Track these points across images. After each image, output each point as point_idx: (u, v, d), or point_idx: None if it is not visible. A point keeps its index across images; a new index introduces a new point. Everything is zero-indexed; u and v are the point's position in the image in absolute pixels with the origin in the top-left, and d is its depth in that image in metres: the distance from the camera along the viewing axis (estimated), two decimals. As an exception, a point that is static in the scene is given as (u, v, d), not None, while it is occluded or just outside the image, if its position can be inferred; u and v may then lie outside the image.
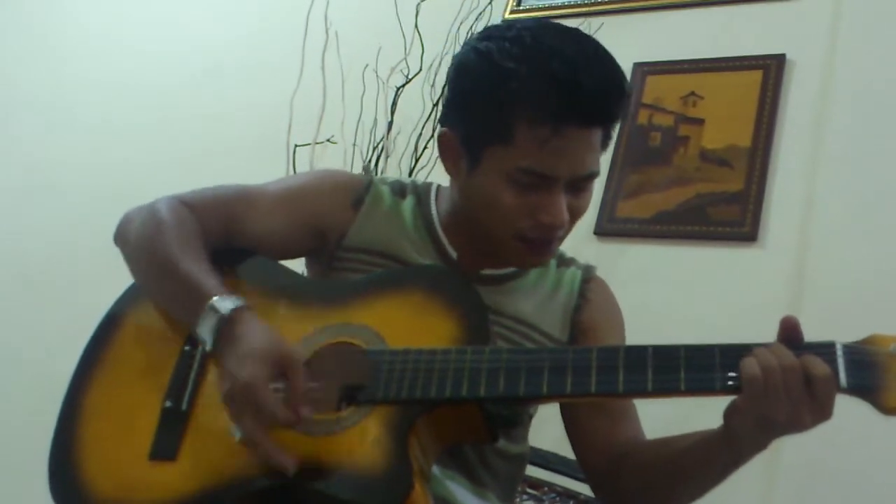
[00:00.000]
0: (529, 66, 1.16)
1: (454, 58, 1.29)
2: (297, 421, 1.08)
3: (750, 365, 1.03)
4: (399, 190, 1.41)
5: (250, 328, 1.13)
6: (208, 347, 1.15)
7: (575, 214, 1.25)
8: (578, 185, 1.23)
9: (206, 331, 1.15)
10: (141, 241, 1.30)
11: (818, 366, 1.02)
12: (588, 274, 1.41)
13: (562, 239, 1.28)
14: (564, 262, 1.43)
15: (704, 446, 1.19)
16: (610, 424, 1.34)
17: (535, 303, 1.36)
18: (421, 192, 1.40)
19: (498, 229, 1.24)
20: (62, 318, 2.50)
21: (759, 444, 1.11)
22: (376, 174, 2.60)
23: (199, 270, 1.22)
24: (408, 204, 1.39)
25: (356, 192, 1.38)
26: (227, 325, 1.14)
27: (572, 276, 1.40)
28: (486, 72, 1.19)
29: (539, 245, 1.26)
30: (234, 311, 1.15)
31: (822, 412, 1.03)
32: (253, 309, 1.17)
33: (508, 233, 1.23)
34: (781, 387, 1.02)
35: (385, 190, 1.40)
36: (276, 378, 1.09)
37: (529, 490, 1.96)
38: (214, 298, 1.16)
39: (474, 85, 1.22)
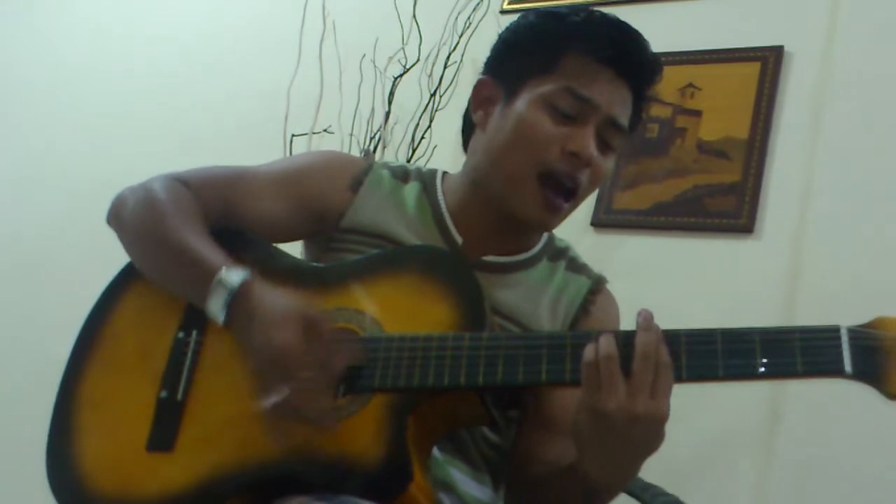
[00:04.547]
0: (582, 14, 1.30)
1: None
2: (342, 373, 1.08)
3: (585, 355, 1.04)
4: (401, 174, 1.40)
5: (264, 297, 1.13)
6: (220, 322, 1.14)
7: (596, 173, 1.28)
8: (605, 138, 1.28)
9: (216, 306, 1.14)
10: (138, 219, 1.27)
11: (637, 344, 1.02)
12: (597, 286, 1.39)
13: (577, 196, 1.28)
14: (575, 267, 1.40)
15: (559, 474, 1.18)
16: (543, 439, 1.30)
17: (536, 304, 1.34)
18: (426, 178, 1.40)
19: (524, 163, 1.25)
20: (60, 308, 2.48)
21: (607, 461, 1.08)
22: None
23: (202, 246, 1.21)
24: (411, 188, 1.38)
25: (355, 174, 1.37)
26: (238, 298, 1.13)
27: (580, 284, 1.38)
28: (540, 17, 1.33)
29: (553, 195, 1.26)
30: (244, 283, 1.14)
31: (651, 393, 1.01)
32: (259, 279, 1.16)
33: (533, 167, 1.25)
34: (605, 374, 1.02)
35: (385, 174, 1.39)
36: (304, 338, 1.07)
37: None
38: (221, 272, 1.15)
39: (527, 29, 1.33)
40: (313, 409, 1.06)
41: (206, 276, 1.15)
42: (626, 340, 1.04)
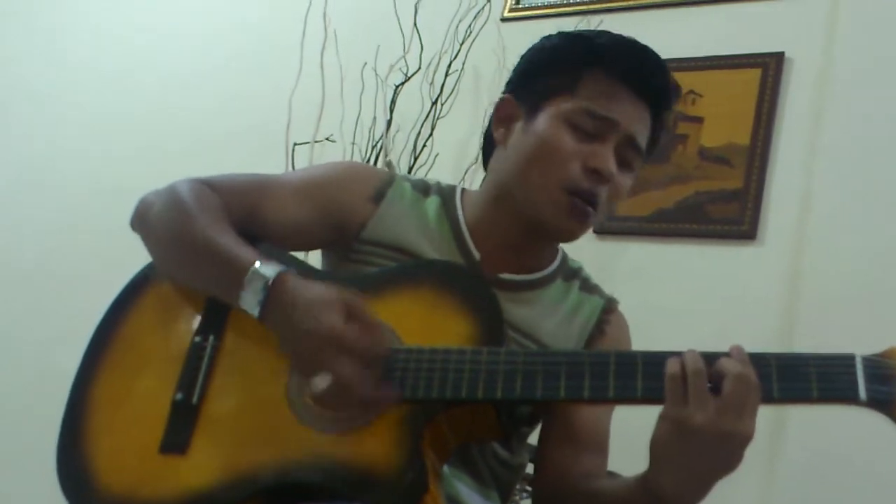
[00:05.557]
0: (606, 37, 1.33)
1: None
2: (387, 351, 1.10)
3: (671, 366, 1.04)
4: (423, 188, 1.41)
5: (301, 286, 1.13)
6: (255, 314, 1.14)
7: (616, 190, 1.30)
8: (625, 157, 1.29)
9: (251, 298, 1.14)
10: (165, 220, 1.28)
11: (729, 365, 1.02)
12: (610, 306, 1.41)
13: (599, 211, 1.29)
14: (588, 288, 1.42)
15: (624, 486, 1.17)
16: (573, 454, 1.31)
17: (552, 322, 1.35)
18: (446, 193, 1.41)
19: (548, 177, 1.27)
20: (62, 313, 2.49)
21: (685, 477, 1.07)
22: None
23: (233, 243, 1.21)
24: (432, 202, 1.39)
25: (378, 186, 1.38)
26: (276, 289, 1.13)
27: (593, 304, 1.39)
28: (564, 39, 1.35)
29: (581, 203, 1.27)
30: (281, 274, 1.14)
31: (737, 411, 1.01)
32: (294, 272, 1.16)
33: (558, 181, 1.26)
34: (693, 390, 1.02)
35: (407, 186, 1.40)
36: (346, 322, 1.09)
37: (529, 488, 1.97)
38: (257, 265, 1.15)
39: (550, 49, 1.35)
40: (364, 390, 1.07)
41: (238, 272, 1.15)
42: (708, 360, 1.04)
